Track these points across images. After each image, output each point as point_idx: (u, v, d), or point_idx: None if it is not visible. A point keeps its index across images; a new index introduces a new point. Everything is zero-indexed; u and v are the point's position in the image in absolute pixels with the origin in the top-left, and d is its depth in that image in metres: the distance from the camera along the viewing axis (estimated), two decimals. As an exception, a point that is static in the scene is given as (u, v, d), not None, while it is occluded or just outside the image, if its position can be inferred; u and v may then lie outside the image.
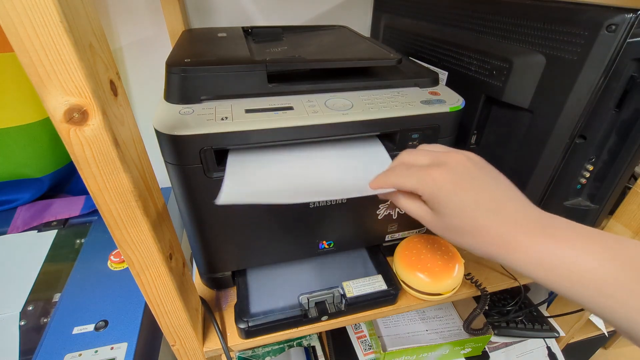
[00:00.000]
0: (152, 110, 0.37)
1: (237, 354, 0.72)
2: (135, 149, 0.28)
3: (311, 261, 0.53)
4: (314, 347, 0.74)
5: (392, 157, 0.41)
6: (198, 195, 0.38)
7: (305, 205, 0.43)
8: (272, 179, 0.36)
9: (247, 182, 0.35)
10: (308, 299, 0.46)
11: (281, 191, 0.35)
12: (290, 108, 0.38)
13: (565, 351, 0.78)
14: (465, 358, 0.70)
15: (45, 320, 0.49)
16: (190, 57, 0.39)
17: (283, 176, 0.36)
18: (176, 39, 0.56)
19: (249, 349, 0.72)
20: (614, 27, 0.34)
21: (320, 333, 0.76)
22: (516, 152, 0.48)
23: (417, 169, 0.32)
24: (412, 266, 0.49)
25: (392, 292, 0.49)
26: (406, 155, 0.35)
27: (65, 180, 0.77)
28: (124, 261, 0.57)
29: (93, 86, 0.22)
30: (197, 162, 0.36)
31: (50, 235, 0.64)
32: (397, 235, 0.54)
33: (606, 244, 0.25)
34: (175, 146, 0.34)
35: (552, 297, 0.79)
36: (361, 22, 0.79)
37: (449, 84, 0.55)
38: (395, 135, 0.41)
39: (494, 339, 0.74)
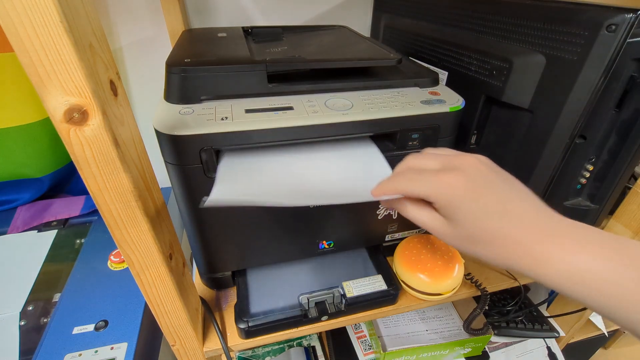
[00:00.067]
0: (152, 110, 0.37)
1: (237, 354, 0.72)
2: (135, 149, 0.28)
3: (311, 261, 0.53)
4: (314, 347, 0.74)
5: (392, 157, 0.41)
6: (198, 195, 0.38)
7: (307, 205, 0.43)
8: (262, 183, 0.35)
9: (234, 188, 0.34)
10: (308, 299, 0.46)
11: (270, 194, 0.33)
12: (290, 108, 0.38)
13: (565, 351, 0.78)
14: (465, 358, 0.70)
15: (45, 320, 0.49)
16: (190, 57, 0.39)
17: (275, 180, 0.35)
18: (176, 39, 0.56)
19: (249, 349, 0.72)
20: (614, 27, 0.34)
21: (320, 333, 0.76)
22: (516, 152, 0.48)
23: (429, 173, 0.29)
24: (412, 266, 0.49)
25: (392, 292, 0.49)
26: (413, 160, 0.32)
27: (65, 180, 0.77)
28: (124, 261, 0.57)
29: (93, 86, 0.22)
30: (197, 162, 0.36)
31: (50, 235, 0.64)
32: (397, 235, 0.54)
33: None
34: (175, 146, 0.34)
35: (552, 297, 0.79)
36: (361, 22, 0.79)
37: (449, 84, 0.55)
38: (395, 135, 0.41)
39: (494, 339, 0.74)
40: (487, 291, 0.52)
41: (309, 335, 0.76)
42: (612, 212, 0.57)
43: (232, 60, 0.41)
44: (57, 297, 0.52)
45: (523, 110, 0.45)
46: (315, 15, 0.75)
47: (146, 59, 0.70)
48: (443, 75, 0.56)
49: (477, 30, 0.49)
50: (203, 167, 0.36)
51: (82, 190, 0.77)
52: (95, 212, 0.69)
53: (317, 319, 0.47)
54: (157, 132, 0.34)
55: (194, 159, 0.35)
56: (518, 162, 0.48)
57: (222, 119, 0.35)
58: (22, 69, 0.20)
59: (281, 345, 0.74)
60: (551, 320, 0.77)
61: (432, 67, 0.54)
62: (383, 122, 0.39)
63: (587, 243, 0.25)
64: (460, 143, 0.55)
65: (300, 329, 0.47)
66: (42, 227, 0.66)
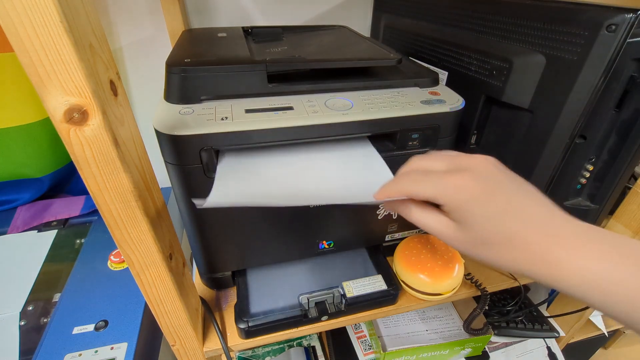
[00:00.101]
0: (152, 110, 0.37)
1: (237, 354, 0.72)
2: (135, 149, 0.28)
3: (311, 261, 0.53)
4: (314, 347, 0.73)
5: (392, 157, 0.41)
6: (198, 196, 0.38)
7: (305, 205, 0.43)
8: (261, 184, 0.35)
9: (233, 190, 0.33)
10: (308, 299, 0.46)
11: (269, 196, 0.33)
12: (290, 108, 0.38)
13: (565, 351, 0.78)
14: (465, 358, 0.70)
15: (45, 320, 0.49)
16: (190, 57, 0.39)
17: (274, 181, 0.35)
18: (176, 39, 0.56)
19: (249, 349, 0.72)
20: (614, 27, 0.34)
21: (320, 333, 0.76)
22: (516, 152, 0.48)
23: (437, 174, 0.28)
24: (412, 266, 0.49)
25: (392, 292, 0.49)
26: (418, 161, 0.31)
27: (65, 180, 0.77)
28: (124, 261, 0.57)
29: (93, 86, 0.22)
30: (197, 162, 0.36)
31: (50, 235, 0.64)
32: (397, 235, 0.54)
33: None
34: (175, 146, 0.34)
35: (552, 297, 0.79)
36: (361, 22, 0.79)
37: (449, 84, 0.55)
38: (395, 136, 0.41)
39: (494, 339, 0.74)
40: (487, 291, 0.52)
41: (309, 335, 0.76)
42: (612, 212, 0.57)
43: (232, 60, 0.41)
44: (57, 297, 0.52)
45: (523, 110, 0.45)
46: (315, 15, 0.75)
47: (146, 59, 0.70)
48: (443, 75, 0.56)
49: (477, 30, 0.49)
50: (203, 167, 0.36)
51: (82, 190, 0.77)
52: (95, 212, 0.69)
53: (317, 319, 0.47)
54: (157, 132, 0.34)
55: (194, 159, 0.35)
56: (518, 162, 0.48)
57: (222, 119, 0.35)
58: (22, 69, 0.20)
59: (281, 345, 0.74)
60: (551, 320, 0.77)
61: (432, 67, 0.54)
62: (383, 122, 0.39)
63: (607, 249, 0.24)
64: (460, 143, 0.55)
65: (300, 329, 0.47)
66: (42, 227, 0.66)
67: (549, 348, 0.76)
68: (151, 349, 0.50)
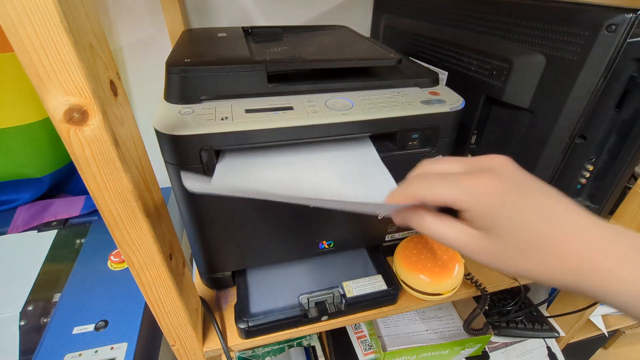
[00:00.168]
0: (152, 110, 0.37)
1: (237, 354, 0.72)
2: (135, 149, 0.28)
3: (311, 261, 0.53)
4: (314, 347, 0.73)
5: (392, 157, 0.41)
6: (198, 195, 0.38)
7: (305, 205, 0.43)
8: (259, 181, 0.34)
9: (230, 179, 0.33)
10: (308, 299, 0.46)
11: (266, 190, 0.32)
12: (290, 108, 0.38)
13: (565, 351, 0.78)
14: (465, 358, 0.70)
15: (45, 320, 0.49)
16: (190, 57, 0.39)
17: (272, 181, 0.35)
18: (176, 39, 0.56)
19: (249, 349, 0.72)
20: (614, 27, 0.34)
21: (320, 333, 0.76)
22: (516, 152, 0.48)
23: (456, 176, 0.25)
24: (412, 266, 0.49)
25: (392, 292, 0.49)
26: (430, 164, 0.28)
27: (65, 180, 0.77)
28: (124, 261, 0.57)
29: (93, 86, 0.22)
30: (197, 162, 0.36)
31: (50, 235, 0.64)
32: (397, 235, 0.54)
33: None
34: (175, 146, 0.34)
35: (552, 297, 0.79)
36: (361, 22, 0.79)
37: (449, 84, 0.55)
38: (395, 136, 0.41)
39: (494, 339, 0.74)
40: (487, 291, 0.52)
41: (309, 335, 0.76)
42: (612, 212, 0.57)
43: (232, 60, 0.41)
44: (57, 297, 0.52)
45: (523, 110, 0.45)
46: (315, 15, 0.75)
47: (146, 59, 0.70)
48: (443, 75, 0.56)
49: (477, 30, 0.49)
50: (203, 167, 0.36)
51: (82, 190, 0.77)
52: (95, 212, 0.69)
53: (317, 319, 0.47)
54: (157, 132, 0.34)
55: (194, 159, 0.35)
56: (518, 162, 0.48)
57: (222, 119, 0.35)
58: (22, 69, 0.20)
59: (281, 345, 0.74)
60: (551, 320, 0.77)
61: (432, 67, 0.54)
62: (383, 122, 0.39)
63: None
64: (460, 143, 0.55)
65: (300, 329, 0.47)
66: (42, 227, 0.66)
67: (549, 348, 0.76)
68: (151, 349, 0.50)
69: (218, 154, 0.37)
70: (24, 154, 0.66)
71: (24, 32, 0.19)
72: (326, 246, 0.50)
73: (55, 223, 0.67)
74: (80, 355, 0.44)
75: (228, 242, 0.45)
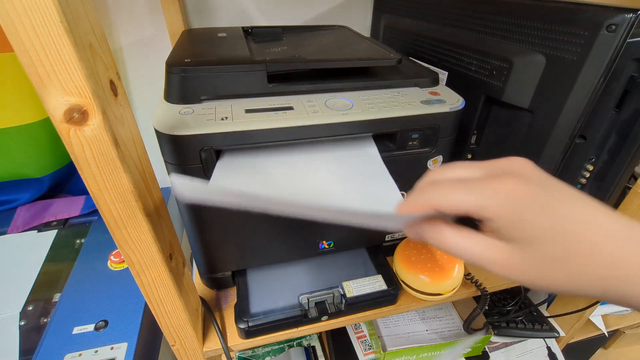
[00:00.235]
0: (152, 110, 0.37)
1: (237, 354, 0.72)
2: (135, 149, 0.28)
3: (311, 261, 0.53)
4: (314, 347, 0.73)
5: (392, 157, 0.41)
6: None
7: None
8: (258, 186, 0.34)
9: (227, 187, 0.31)
10: (308, 299, 0.46)
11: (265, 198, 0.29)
12: (290, 108, 0.38)
13: (565, 351, 0.78)
14: (465, 358, 0.70)
15: (45, 320, 0.49)
16: (190, 57, 0.39)
17: (271, 185, 0.34)
18: (176, 39, 0.56)
19: (249, 349, 0.72)
20: (614, 27, 0.34)
21: (320, 333, 0.76)
22: (516, 152, 0.48)
23: (477, 181, 0.22)
24: (412, 266, 0.49)
25: (392, 292, 0.49)
26: (443, 170, 0.25)
27: (65, 180, 0.77)
28: (124, 261, 0.57)
29: (93, 86, 0.22)
30: (197, 162, 0.36)
31: (50, 235, 0.64)
32: (397, 235, 0.54)
33: None
34: (175, 146, 0.34)
35: (552, 297, 0.79)
36: (361, 22, 0.79)
37: (449, 84, 0.55)
38: (395, 136, 0.41)
39: (494, 339, 0.74)
40: (487, 291, 0.52)
41: (309, 335, 0.76)
42: (612, 212, 0.57)
43: (232, 60, 0.41)
44: (57, 297, 0.52)
45: (523, 110, 0.45)
46: (315, 15, 0.75)
47: (146, 59, 0.70)
48: (443, 75, 0.56)
49: (477, 30, 0.49)
50: (203, 167, 0.36)
51: (82, 190, 0.77)
52: (95, 212, 0.69)
53: (317, 319, 0.47)
54: (157, 132, 0.34)
55: (194, 159, 0.35)
56: (518, 162, 0.48)
57: (222, 119, 0.35)
58: (22, 69, 0.20)
59: (281, 345, 0.74)
60: (551, 320, 0.77)
61: (432, 67, 0.54)
62: (383, 122, 0.39)
63: None
64: (460, 143, 0.55)
65: (300, 329, 0.47)
66: (42, 227, 0.66)
67: (549, 348, 0.76)
68: (151, 349, 0.50)
69: (218, 154, 0.37)
70: (24, 154, 0.66)
71: (24, 32, 0.19)
72: (326, 246, 0.50)
73: (55, 223, 0.67)
74: (80, 355, 0.44)
75: (228, 242, 0.45)
